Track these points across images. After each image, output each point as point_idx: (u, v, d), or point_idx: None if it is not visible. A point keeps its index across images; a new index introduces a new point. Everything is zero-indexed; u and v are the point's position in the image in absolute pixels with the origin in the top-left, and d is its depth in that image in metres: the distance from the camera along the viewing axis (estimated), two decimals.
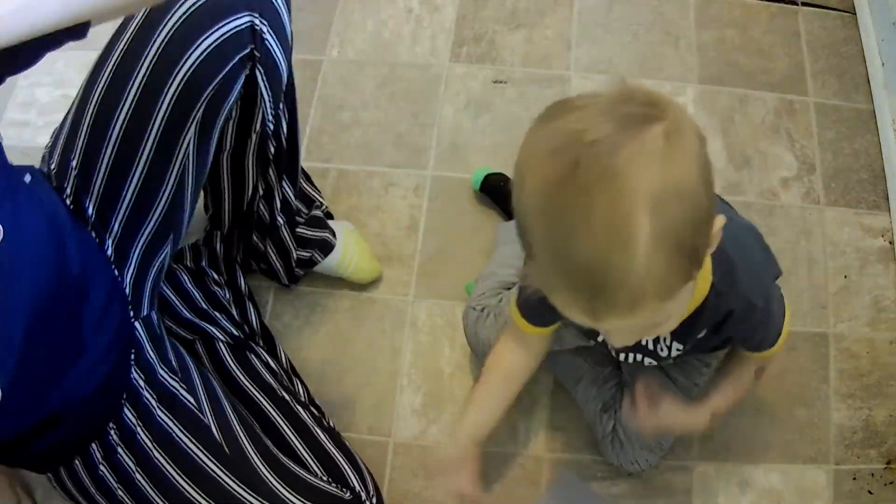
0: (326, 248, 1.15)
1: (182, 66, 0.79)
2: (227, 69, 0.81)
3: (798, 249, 1.21)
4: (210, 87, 0.82)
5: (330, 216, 1.23)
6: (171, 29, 0.78)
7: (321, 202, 1.22)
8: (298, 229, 1.13)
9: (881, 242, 1.22)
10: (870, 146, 1.29)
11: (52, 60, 1.45)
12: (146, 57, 0.79)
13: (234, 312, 1.10)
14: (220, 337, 1.06)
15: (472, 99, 1.36)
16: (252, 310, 1.13)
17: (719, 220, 0.58)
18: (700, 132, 0.56)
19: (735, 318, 0.77)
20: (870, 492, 1.06)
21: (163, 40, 0.79)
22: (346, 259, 1.16)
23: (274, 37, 0.84)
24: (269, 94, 0.90)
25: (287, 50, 0.88)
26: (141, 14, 0.80)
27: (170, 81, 0.79)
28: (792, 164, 1.28)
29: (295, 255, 1.13)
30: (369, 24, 1.45)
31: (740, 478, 1.06)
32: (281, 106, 0.94)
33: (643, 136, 0.52)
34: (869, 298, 1.18)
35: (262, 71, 0.86)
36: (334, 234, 1.16)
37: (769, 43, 1.39)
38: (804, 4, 1.43)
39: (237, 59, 0.82)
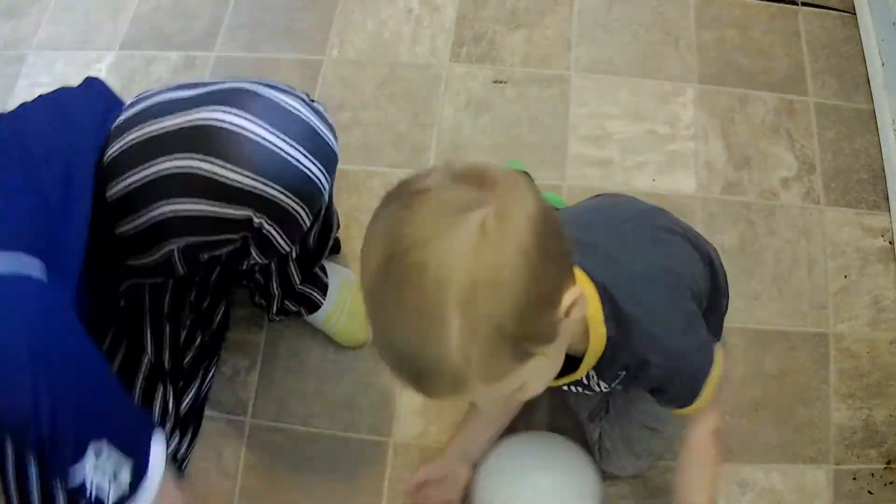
0: (313, 307, 1.10)
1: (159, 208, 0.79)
2: (210, 238, 0.82)
3: (798, 249, 1.21)
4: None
5: (337, 247, 1.18)
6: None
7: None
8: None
9: (881, 242, 1.22)
10: (870, 146, 1.29)
11: (52, 61, 1.46)
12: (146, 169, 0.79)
13: (182, 337, 1.06)
14: (146, 350, 1.01)
15: (472, 99, 1.36)
16: (196, 345, 1.08)
17: (571, 294, 0.58)
18: (534, 209, 0.56)
19: (632, 373, 0.77)
20: (870, 492, 1.06)
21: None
22: (332, 318, 1.12)
23: (279, 232, 0.81)
24: (262, 258, 0.87)
25: (292, 237, 0.84)
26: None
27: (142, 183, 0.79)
28: (792, 164, 1.28)
29: (276, 308, 1.09)
30: (369, 24, 1.45)
31: (740, 478, 1.06)
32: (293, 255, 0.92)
33: (458, 228, 0.53)
34: (869, 298, 1.18)
35: (256, 247, 0.84)
36: (325, 291, 1.10)
37: (769, 43, 1.39)
38: (804, 4, 1.43)
39: (224, 237, 0.81)
